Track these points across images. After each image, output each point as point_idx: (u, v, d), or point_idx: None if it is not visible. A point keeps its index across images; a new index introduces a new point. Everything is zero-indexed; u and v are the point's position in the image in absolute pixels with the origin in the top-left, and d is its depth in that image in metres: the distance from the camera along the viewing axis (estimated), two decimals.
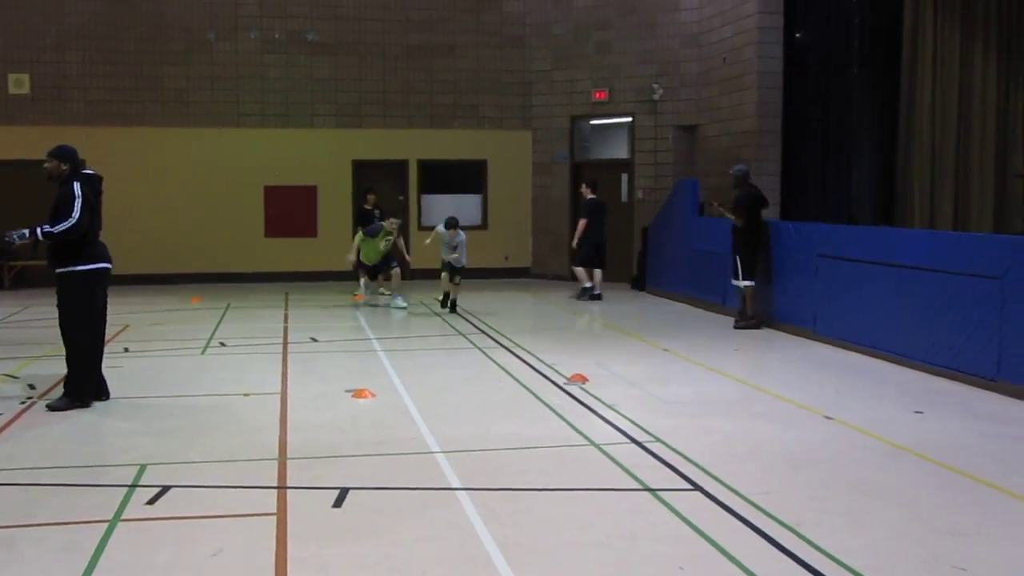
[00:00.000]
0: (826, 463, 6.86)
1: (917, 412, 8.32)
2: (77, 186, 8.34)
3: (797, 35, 15.92)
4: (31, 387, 9.23)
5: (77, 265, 8.44)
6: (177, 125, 19.26)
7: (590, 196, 16.74)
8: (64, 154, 8.52)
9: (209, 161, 19.36)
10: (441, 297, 15.24)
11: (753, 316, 13.24)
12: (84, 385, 8.55)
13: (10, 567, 4.96)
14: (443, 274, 15.00)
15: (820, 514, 5.72)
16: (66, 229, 8.24)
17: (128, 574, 4.85)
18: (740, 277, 13.29)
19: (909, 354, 10.33)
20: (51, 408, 8.41)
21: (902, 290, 10.59)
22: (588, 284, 16.58)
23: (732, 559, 5.01)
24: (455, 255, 14.82)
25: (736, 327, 13.16)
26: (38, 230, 8.28)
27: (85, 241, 8.43)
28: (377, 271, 16.18)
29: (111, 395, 8.80)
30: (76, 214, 8.24)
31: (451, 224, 14.88)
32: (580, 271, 16.81)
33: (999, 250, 9.36)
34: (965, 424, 7.97)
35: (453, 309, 14.83)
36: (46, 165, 8.51)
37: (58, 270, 8.48)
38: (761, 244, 13.34)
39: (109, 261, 8.71)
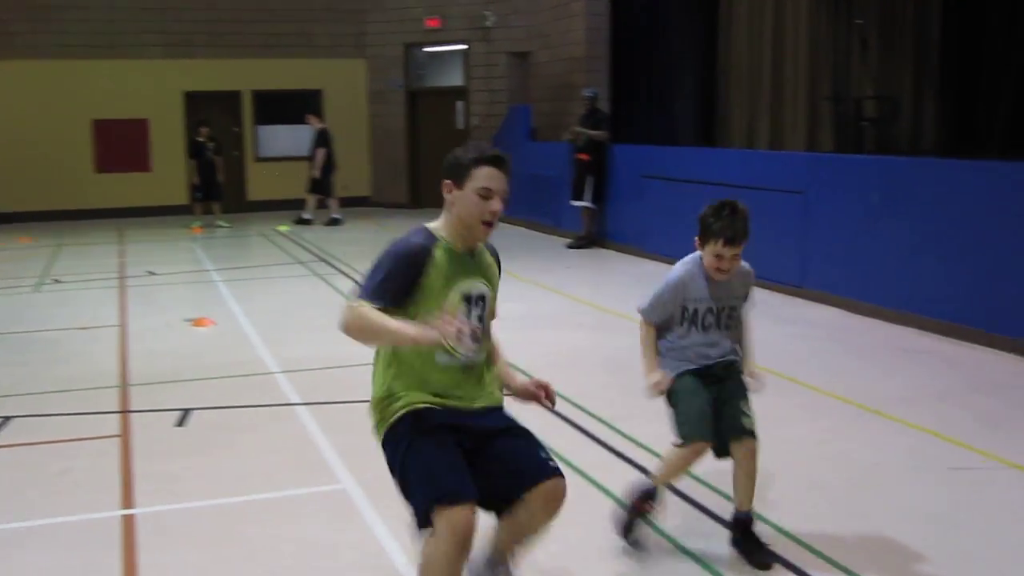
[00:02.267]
0: (638, 367, 7.43)
1: None
2: None
3: None
4: None
5: None
6: None
7: (320, 125, 17.28)
8: None
9: (31, 94, 18.67)
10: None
11: (587, 236, 13.84)
12: None
13: None
14: None
15: (632, 409, 6.28)
16: None
17: None
18: (586, 198, 13.79)
19: None
20: None
21: None
22: (308, 216, 17.18)
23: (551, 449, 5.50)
24: None
25: (570, 247, 13.75)
26: None
27: None
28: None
29: None
30: None
31: None
32: (312, 199, 17.30)
33: (802, 166, 10.13)
34: (771, 327, 8.66)
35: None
36: None
37: None
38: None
39: None
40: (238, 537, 4.52)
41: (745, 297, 4.44)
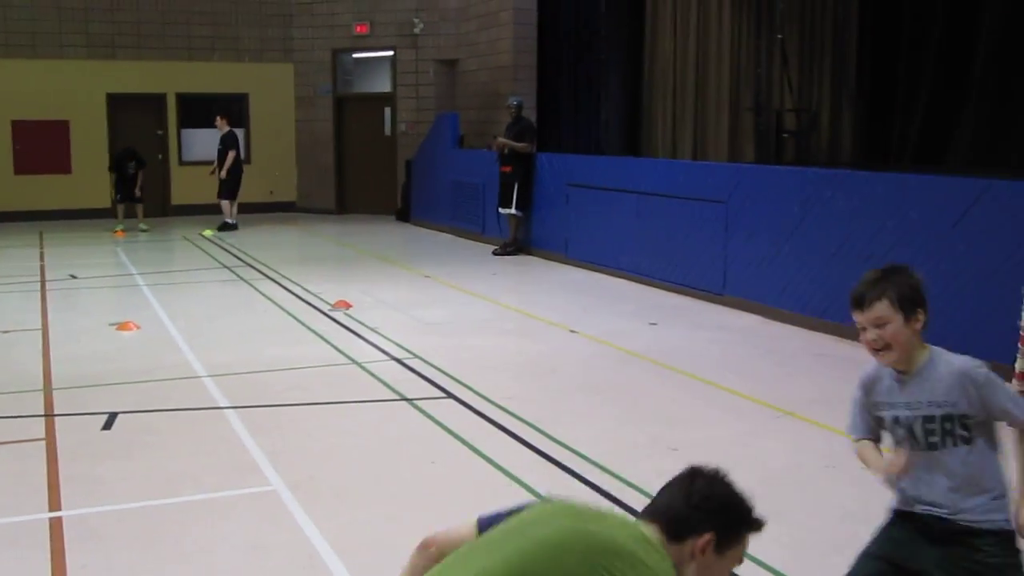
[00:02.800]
0: (566, 370, 7.60)
1: (652, 324, 9.22)
2: None
3: None
4: None
5: None
6: None
7: (228, 128, 17.17)
8: None
9: None
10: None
11: (513, 243, 13.98)
12: None
13: None
14: None
15: (557, 412, 6.43)
16: None
17: None
18: (514, 206, 13.91)
19: (648, 273, 11.29)
20: None
21: (642, 214, 11.52)
22: (231, 220, 17.09)
23: (479, 453, 5.61)
24: None
25: (495, 253, 13.87)
26: None
27: None
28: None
29: None
30: None
31: None
32: (227, 204, 17.18)
33: (724, 177, 10.37)
34: (692, 333, 8.92)
35: None
36: None
37: None
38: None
39: None
40: (169, 538, 4.54)
41: (971, 405, 2.83)
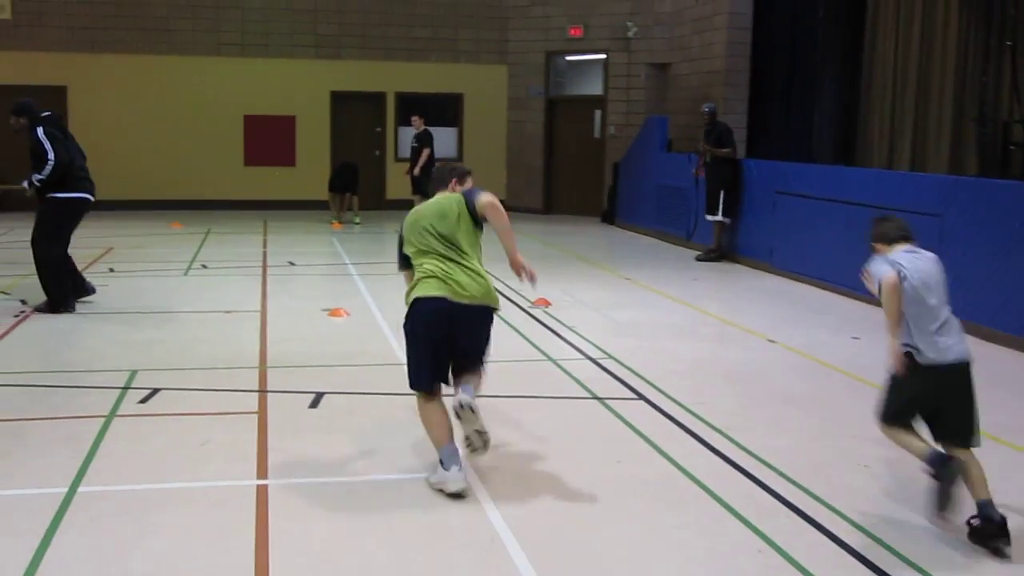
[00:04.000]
0: (760, 378, 7.50)
1: (854, 338, 8.96)
2: (40, 131, 9.23)
3: None
4: (23, 302, 9.72)
5: (59, 192, 9.31)
6: (158, 53, 19.50)
7: (424, 127, 17.41)
8: (19, 107, 9.49)
9: (190, 90, 19.64)
10: None
11: (716, 249, 13.85)
12: (61, 294, 9.38)
13: (20, 451, 5.54)
14: None
15: (748, 420, 6.36)
16: (50, 171, 9.17)
17: (126, 459, 5.44)
18: (720, 212, 13.82)
19: (855, 287, 10.91)
20: (38, 310, 9.32)
21: (851, 226, 11.17)
22: None
23: (665, 455, 5.64)
24: None
25: (699, 259, 13.78)
26: (33, 179, 9.25)
27: (67, 173, 9.26)
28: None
29: (102, 308, 9.39)
30: (51, 156, 9.14)
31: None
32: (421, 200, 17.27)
33: (940, 189, 9.96)
34: None
35: None
36: (11, 123, 9.49)
37: (46, 195, 9.37)
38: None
39: (90, 192, 9.56)
40: (362, 512, 4.79)
41: None
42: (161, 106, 19.55)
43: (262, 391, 6.83)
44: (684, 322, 9.62)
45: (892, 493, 5.19)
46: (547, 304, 10.07)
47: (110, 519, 4.65)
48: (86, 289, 9.74)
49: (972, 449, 4.59)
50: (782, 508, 4.90)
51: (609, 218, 18.78)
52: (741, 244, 13.72)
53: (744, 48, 16.42)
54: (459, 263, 5.24)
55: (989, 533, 4.40)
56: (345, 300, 10.12)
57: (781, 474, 5.35)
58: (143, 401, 6.50)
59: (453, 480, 4.87)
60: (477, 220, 5.38)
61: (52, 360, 7.81)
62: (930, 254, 4.78)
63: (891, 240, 4.83)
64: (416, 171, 17.39)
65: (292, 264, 12.77)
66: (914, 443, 4.65)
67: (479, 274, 5.29)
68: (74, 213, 9.48)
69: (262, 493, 4.97)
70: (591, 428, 6.19)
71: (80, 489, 4.97)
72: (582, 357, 7.98)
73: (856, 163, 15.22)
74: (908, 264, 4.64)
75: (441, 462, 4.94)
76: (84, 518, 4.64)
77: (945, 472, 4.45)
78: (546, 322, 9.32)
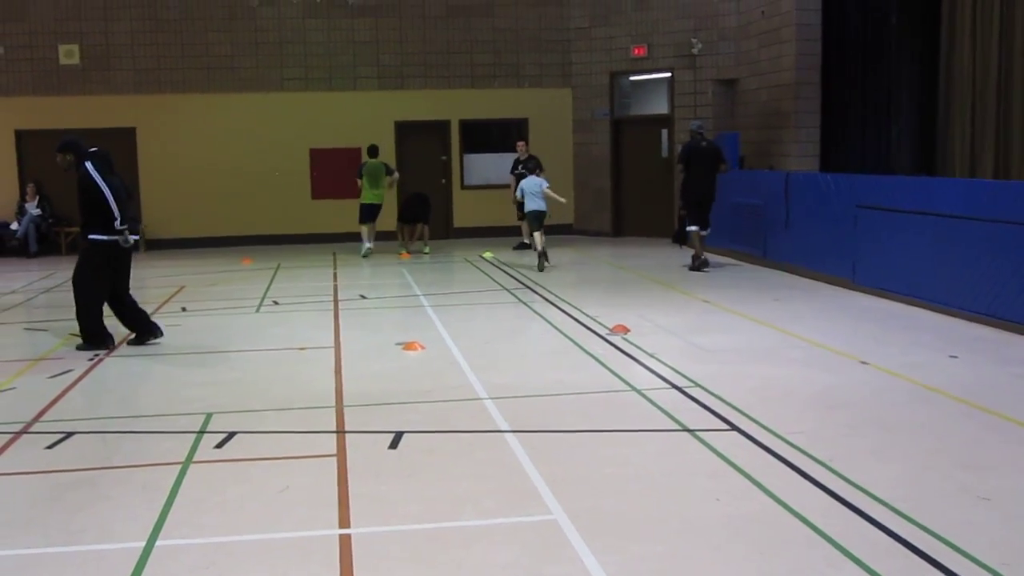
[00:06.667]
0: (859, 404, 7.12)
1: (952, 356, 8.53)
2: (89, 166, 9.26)
3: None
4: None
5: (101, 234, 9.35)
6: (224, 91, 19.64)
7: (528, 153, 17.49)
8: (65, 144, 9.49)
9: (256, 125, 19.74)
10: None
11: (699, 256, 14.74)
12: (99, 333, 9.52)
13: (97, 503, 5.38)
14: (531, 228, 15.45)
15: (851, 451, 6.00)
16: (113, 209, 9.25)
17: (204, 509, 5.25)
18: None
19: (946, 301, 10.51)
20: (79, 348, 9.49)
21: (940, 238, 10.74)
22: (528, 241, 17.01)
23: (767, 491, 5.31)
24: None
25: (692, 269, 14.66)
26: (123, 233, 9.38)
27: (106, 211, 9.27)
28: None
29: (175, 348, 9.31)
30: (105, 189, 9.21)
31: (536, 166, 15.54)
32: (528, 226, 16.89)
33: None
34: (997, 368, 8.18)
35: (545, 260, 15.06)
36: (57, 160, 9.49)
37: (88, 237, 9.44)
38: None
39: (132, 233, 9.63)
40: (451, 563, 4.53)
41: None
42: (228, 143, 19.68)
43: (340, 432, 6.63)
44: (770, 345, 9.25)
45: (1021, 528, 4.80)
46: (625, 331, 9.78)
47: None
48: (152, 331, 9.70)
49: None
50: (900, 548, 4.55)
51: (680, 238, 18.39)
52: (818, 261, 13.28)
53: (814, 60, 16.03)
54: None
55: None
56: (418, 333, 9.92)
57: (894, 509, 4.99)
58: (219, 446, 6.34)
59: None
60: None
61: (126, 405, 7.69)
62: None
63: None
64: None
65: (363, 297, 12.63)
66: None
67: None
68: (112, 256, 9.46)
69: (345, 544, 4.74)
70: (685, 463, 5.88)
71: (158, 543, 4.79)
72: (667, 386, 7.67)
73: (937, 174, 14.73)
74: None
75: None
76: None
77: None
78: (626, 350, 9.03)
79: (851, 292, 12.16)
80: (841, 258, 12.68)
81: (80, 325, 9.54)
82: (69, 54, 19.19)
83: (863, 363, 8.32)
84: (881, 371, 8.05)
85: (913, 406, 7.07)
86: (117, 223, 9.26)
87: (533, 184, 14.91)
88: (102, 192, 9.18)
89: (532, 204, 14.91)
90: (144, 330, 9.70)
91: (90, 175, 9.20)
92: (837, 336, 9.51)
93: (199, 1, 19.49)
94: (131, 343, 9.65)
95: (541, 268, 14.72)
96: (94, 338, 9.48)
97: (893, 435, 6.35)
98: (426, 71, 20.21)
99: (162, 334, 9.76)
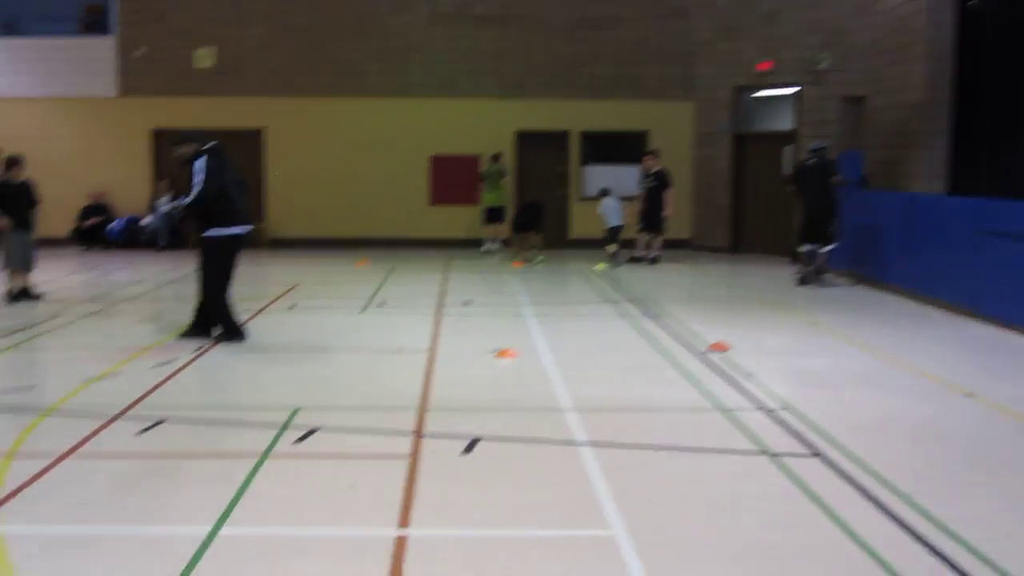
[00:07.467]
0: (954, 438, 6.81)
1: None
2: (201, 160, 9.58)
3: (969, 2, 15.33)
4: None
5: (213, 230, 9.66)
6: (349, 95, 20.08)
7: (659, 167, 17.69)
8: (185, 138, 9.90)
9: (378, 130, 20.13)
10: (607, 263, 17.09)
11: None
12: (232, 324, 9.86)
13: (173, 489, 5.54)
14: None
15: (937, 485, 5.74)
16: (191, 202, 9.55)
17: (272, 501, 5.35)
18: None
19: None
20: (182, 336, 9.94)
21: None
22: (640, 253, 18.02)
23: (840, 522, 5.11)
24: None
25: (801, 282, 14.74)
26: (181, 202, 9.78)
27: (220, 207, 9.58)
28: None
29: (275, 345, 9.54)
30: (195, 188, 9.50)
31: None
32: (648, 238, 17.89)
33: None
34: None
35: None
36: (174, 155, 10.01)
37: (201, 235, 9.75)
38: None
39: (245, 226, 9.90)
40: (498, 570, 4.50)
41: None
42: (351, 146, 20.12)
43: (417, 434, 6.67)
44: (872, 371, 8.93)
45: None
46: (724, 349, 9.59)
47: (243, 565, 4.54)
48: (200, 334, 9.89)
49: None
50: None
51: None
52: (937, 287, 12.79)
53: (945, 79, 15.44)
54: None
55: None
56: (517, 341, 9.93)
57: (972, 550, 4.75)
58: (299, 441, 6.45)
59: None
60: None
61: (218, 395, 7.92)
62: None
63: None
64: (668, 211, 17.54)
65: (469, 303, 12.71)
66: None
67: None
68: (230, 249, 9.75)
69: (399, 545, 4.76)
70: (760, 487, 5.71)
71: (221, 532, 4.90)
72: (755, 407, 7.48)
73: None
74: None
75: None
76: (217, 563, 4.54)
77: None
78: (722, 368, 8.84)
79: (970, 321, 11.67)
80: (962, 285, 12.18)
81: (215, 319, 9.83)
82: (204, 56, 19.90)
83: (968, 395, 7.96)
84: (986, 405, 7.68)
85: (1015, 443, 6.72)
86: (184, 202, 9.59)
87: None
88: (208, 181, 9.45)
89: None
90: (199, 330, 9.90)
91: (194, 172, 9.50)
92: (944, 365, 9.13)
93: (330, 8, 19.98)
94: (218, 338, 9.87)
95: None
96: (233, 329, 9.80)
97: (985, 472, 6.05)
98: (549, 81, 20.27)
99: (211, 338, 9.86)
